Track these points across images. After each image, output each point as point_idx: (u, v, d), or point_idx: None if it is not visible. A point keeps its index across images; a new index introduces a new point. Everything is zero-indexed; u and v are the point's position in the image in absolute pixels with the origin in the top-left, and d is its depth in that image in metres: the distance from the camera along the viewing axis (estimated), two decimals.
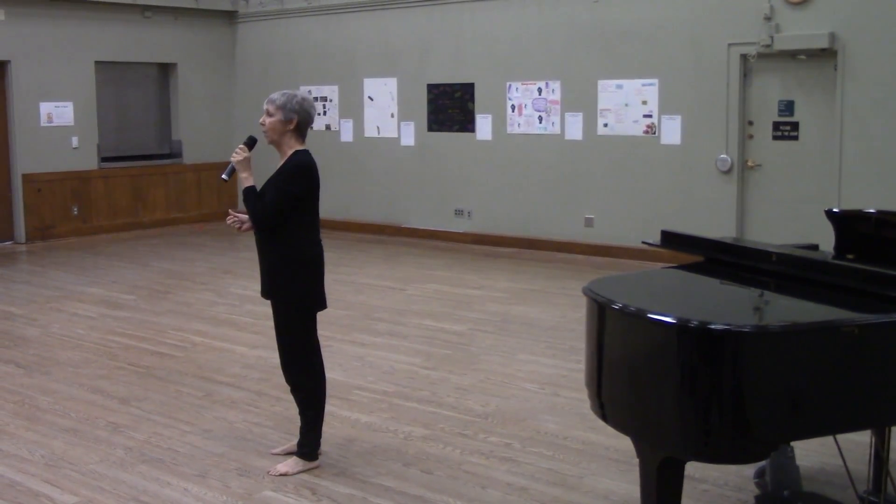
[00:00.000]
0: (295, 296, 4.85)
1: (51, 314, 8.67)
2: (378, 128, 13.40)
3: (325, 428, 5.10)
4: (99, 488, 4.76)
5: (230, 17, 14.94)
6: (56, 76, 13.10)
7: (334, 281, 9.99)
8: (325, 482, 4.79)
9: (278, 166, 4.88)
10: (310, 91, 13.95)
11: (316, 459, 4.99)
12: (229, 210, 4.97)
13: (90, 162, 13.53)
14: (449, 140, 12.66)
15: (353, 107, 13.66)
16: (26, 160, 12.93)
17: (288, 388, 5.10)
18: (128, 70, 14.16)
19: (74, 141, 13.31)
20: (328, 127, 13.88)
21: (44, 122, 13.06)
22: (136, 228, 14.00)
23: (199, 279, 10.25)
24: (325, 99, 13.90)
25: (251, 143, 4.97)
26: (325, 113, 13.88)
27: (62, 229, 13.29)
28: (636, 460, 3.68)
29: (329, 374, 6.60)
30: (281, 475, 4.88)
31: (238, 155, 4.89)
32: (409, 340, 7.60)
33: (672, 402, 3.35)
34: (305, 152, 4.87)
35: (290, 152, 4.86)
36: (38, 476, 4.92)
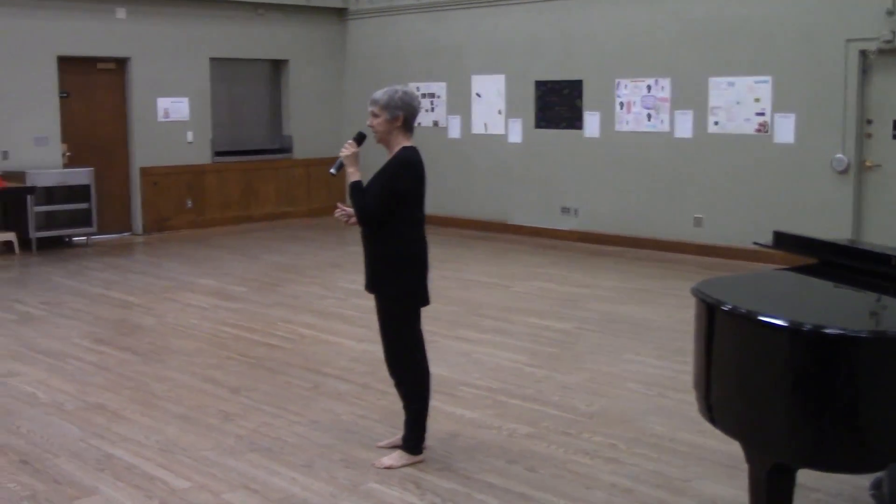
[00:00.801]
0: (398, 291, 4.89)
1: (166, 304, 8.93)
2: (485, 124, 13.42)
3: (429, 423, 5.13)
4: (210, 475, 4.89)
5: (340, 14, 15.14)
6: (172, 72, 13.48)
7: (440, 277, 10.06)
8: (429, 476, 4.83)
9: (385, 162, 4.90)
10: (417, 88, 14.06)
11: (420, 453, 5.02)
12: (338, 203, 5.04)
13: (204, 156, 13.90)
14: (556, 137, 12.60)
15: (460, 103, 13.71)
16: (144, 154, 13.35)
17: (393, 382, 5.14)
18: (241, 66, 14.49)
19: (189, 136, 13.69)
20: (436, 123, 13.95)
21: (161, 117, 13.46)
22: (247, 222, 14.32)
23: (307, 272, 10.43)
24: (432, 95, 13.98)
25: (360, 138, 4.99)
26: (432, 109, 13.96)
27: (177, 222, 13.68)
28: (745, 465, 3.61)
29: (434, 370, 6.66)
30: (386, 468, 4.93)
31: (346, 150, 4.92)
32: (514, 338, 7.60)
33: (783, 407, 3.28)
34: (412, 149, 4.89)
35: (397, 149, 4.88)
36: (153, 460, 5.08)
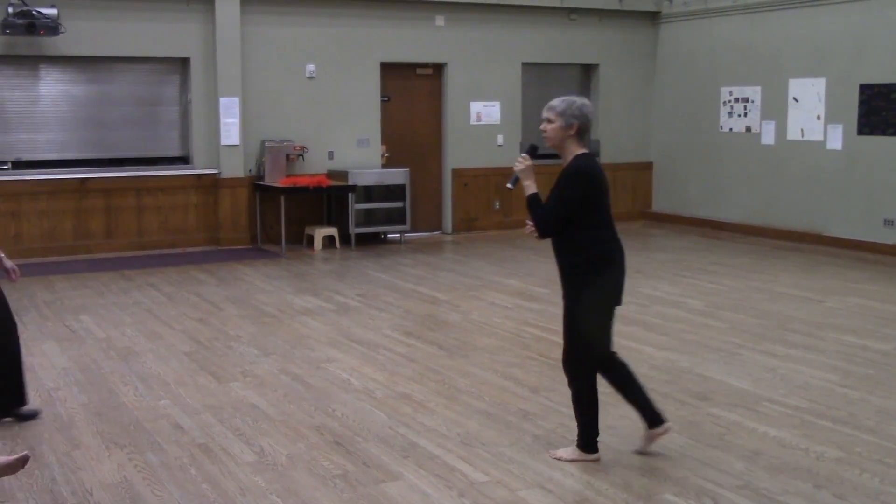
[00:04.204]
0: (582, 295, 4.90)
1: (471, 301, 9.21)
2: (802, 130, 12.79)
3: (731, 438, 5.02)
4: (507, 471, 4.99)
5: (653, 17, 14.97)
6: (486, 77, 13.88)
7: (748, 287, 9.72)
8: (728, 493, 4.67)
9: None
10: (730, 92, 13.65)
11: (595, 452, 5.06)
12: (527, 221, 5.06)
13: (513, 159, 14.13)
14: (882, 145, 11.79)
15: (775, 108, 13.14)
16: (456, 156, 13.85)
17: (567, 379, 5.16)
18: (552, 71, 14.66)
19: (500, 139, 14.04)
20: (748, 129, 13.46)
21: (473, 120, 13.90)
22: None
23: None
24: (746, 100, 13.49)
25: (532, 151, 5.05)
26: (745, 114, 13.48)
27: (484, 222, 14.08)
28: None
29: (737, 384, 6.47)
30: (556, 458, 5.07)
31: (520, 164, 4.99)
32: (825, 355, 7.20)
33: None
34: (586, 156, 4.91)
35: (571, 157, 4.91)
36: (454, 452, 5.26)
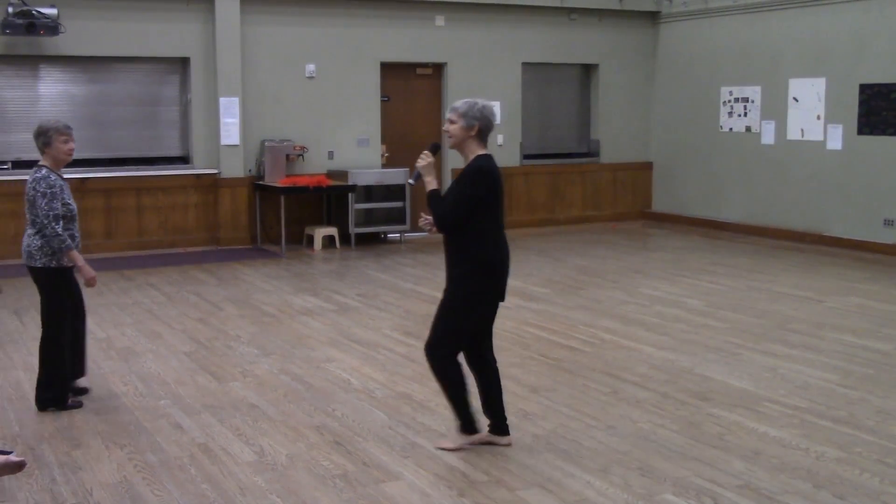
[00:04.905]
0: (466, 290, 5.06)
1: None
2: (802, 130, 12.79)
3: (731, 438, 5.03)
4: (507, 471, 4.98)
5: (653, 17, 14.97)
6: (486, 77, 13.87)
7: (748, 287, 9.72)
8: (728, 493, 4.67)
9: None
10: (730, 92, 13.65)
11: (476, 433, 5.23)
12: (421, 213, 5.20)
13: (513, 159, 14.20)
14: (882, 144, 11.79)
15: (775, 108, 13.14)
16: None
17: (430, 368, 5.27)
18: (552, 71, 14.67)
19: (500, 139, 14.03)
20: (748, 129, 13.46)
21: None
22: (552, 224, 14.48)
23: (610, 277, 10.39)
24: (745, 100, 13.49)
25: (435, 149, 5.25)
26: (745, 114, 13.48)
27: None
28: None
29: (737, 384, 6.47)
30: (442, 449, 5.22)
31: (423, 161, 5.19)
32: (825, 355, 7.20)
33: None
34: (486, 157, 5.09)
35: (472, 157, 5.09)
36: (454, 452, 5.24)
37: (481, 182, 5.03)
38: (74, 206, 6.08)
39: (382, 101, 13.33)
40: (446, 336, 5.15)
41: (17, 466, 4.23)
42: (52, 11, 10.95)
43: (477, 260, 5.05)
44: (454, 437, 5.32)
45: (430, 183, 5.18)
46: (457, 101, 5.19)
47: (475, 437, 5.28)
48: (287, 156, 12.45)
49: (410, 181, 5.41)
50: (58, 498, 4.68)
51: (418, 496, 4.68)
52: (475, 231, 5.05)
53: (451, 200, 5.05)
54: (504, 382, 6.51)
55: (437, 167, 5.35)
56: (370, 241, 12.98)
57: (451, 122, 5.12)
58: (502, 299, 5.21)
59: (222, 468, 5.05)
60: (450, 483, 4.83)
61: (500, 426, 5.35)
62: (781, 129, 13.07)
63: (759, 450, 5.26)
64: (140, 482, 4.87)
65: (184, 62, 12.30)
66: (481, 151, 5.12)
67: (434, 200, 5.13)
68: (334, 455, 5.22)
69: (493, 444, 5.32)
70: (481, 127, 5.09)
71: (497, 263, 5.11)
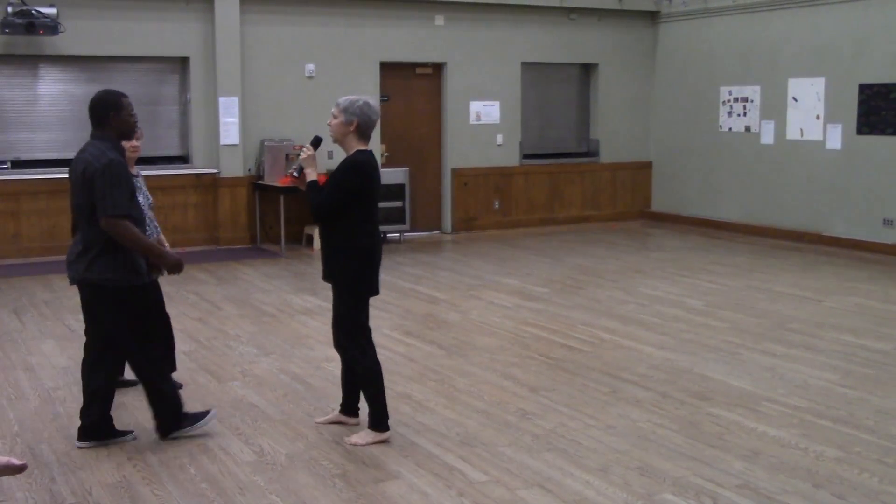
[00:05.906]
0: (349, 281, 5.29)
1: (470, 301, 9.21)
2: (801, 130, 12.79)
3: (730, 438, 5.04)
4: (506, 470, 4.99)
5: (652, 17, 14.97)
6: (485, 77, 13.88)
7: (747, 287, 9.72)
8: (727, 492, 4.67)
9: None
10: (730, 91, 13.65)
11: (387, 430, 5.38)
12: (294, 146, 5.36)
13: (512, 159, 14.20)
14: (881, 144, 11.79)
15: (775, 108, 13.14)
16: (455, 156, 13.85)
17: (342, 359, 5.54)
18: (551, 70, 14.66)
19: (499, 138, 14.03)
20: (748, 128, 13.46)
21: (472, 120, 13.90)
22: (551, 224, 14.48)
23: (609, 276, 10.39)
24: (745, 100, 13.49)
25: (316, 142, 5.45)
26: (744, 114, 13.49)
27: (484, 221, 14.07)
28: None
29: (736, 383, 6.48)
30: (353, 444, 5.31)
31: (304, 153, 5.37)
32: (825, 355, 7.20)
33: None
34: (364, 152, 5.28)
35: (351, 151, 5.29)
36: (454, 452, 5.26)
37: (355, 175, 5.22)
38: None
39: (382, 100, 13.32)
40: (352, 332, 5.37)
41: (18, 469, 4.23)
42: (52, 11, 10.95)
43: (352, 248, 5.26)
44: (367, 434, 5.41)
45: (311, 174, 5.36)
46: (341, 97, 5.38)
47: (385, 435, 5.40)
48: (287, 155, 12.44)
49: (294, 174, 5.51)
50: (57, 497, 4.68)
51: (417, 496, 4.68)
52: (350, 221, 5.24)
53: (327, 191, 5.24)
54: (503, 382, 6.55)
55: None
56: None
57: (334, 116, 5.30)
58: (376, 293, 5.43)
59: (222, 468, 5.05)
60: (448, 482, 4.83)
61: (353, 409, 5.65)
62: (781, 128, 13.06)
63: (758, 449, 5.26)
64: (139, 482, 4.87)
65: (183, 62, 12.30)
66: (361, 147, 5.30)
67: (313, 191, 5.30)
68: (334, 455, 5.22)
69: (342, 423, 5.63)
70: (360, 123, 5.25)
71: (371, 250, 5.32)
